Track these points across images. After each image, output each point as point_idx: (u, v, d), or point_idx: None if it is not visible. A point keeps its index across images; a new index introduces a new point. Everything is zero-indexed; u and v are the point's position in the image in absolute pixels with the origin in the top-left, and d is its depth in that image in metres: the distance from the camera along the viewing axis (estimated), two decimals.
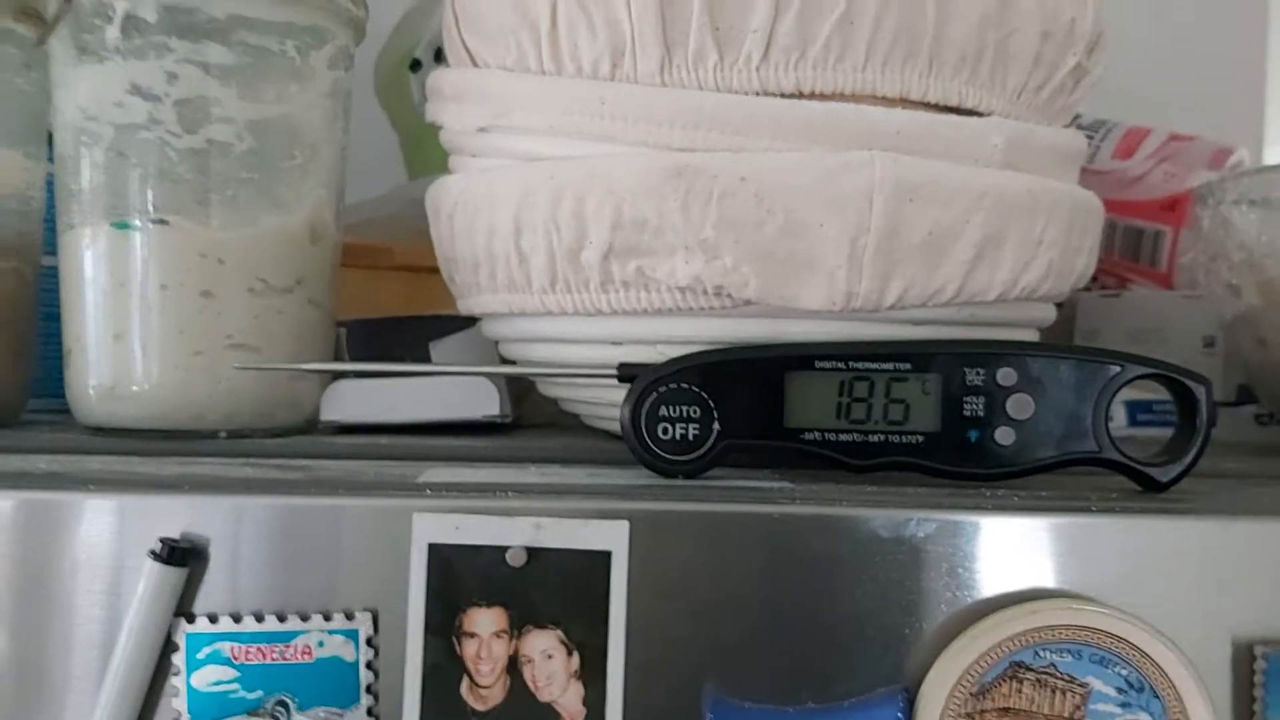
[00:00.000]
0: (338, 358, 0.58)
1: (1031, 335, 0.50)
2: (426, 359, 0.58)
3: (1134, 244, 0.69)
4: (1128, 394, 0.64)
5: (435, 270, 0.69)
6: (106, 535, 0.37)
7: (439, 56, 0.75)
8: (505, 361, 0.53)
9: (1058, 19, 0.44)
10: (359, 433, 0.54)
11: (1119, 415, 0.63)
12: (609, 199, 0.42)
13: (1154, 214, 0.68)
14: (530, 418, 0.61)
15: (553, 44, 0.44)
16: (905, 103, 0.43)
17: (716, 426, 0.41)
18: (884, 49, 0.42)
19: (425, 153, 0.82)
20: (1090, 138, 0.71)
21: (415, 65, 0.74)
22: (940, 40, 0.42)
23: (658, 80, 0.43)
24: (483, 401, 0.53)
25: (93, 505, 0.38)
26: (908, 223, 0.41)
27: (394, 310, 0.66)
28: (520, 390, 0.59)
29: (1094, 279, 0.74)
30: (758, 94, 0.42)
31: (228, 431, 0.50)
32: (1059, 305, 0.72)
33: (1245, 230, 0.50)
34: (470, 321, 0.57)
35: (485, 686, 0.37)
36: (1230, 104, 1.29)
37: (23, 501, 0.38)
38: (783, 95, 0.42)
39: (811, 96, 0.42)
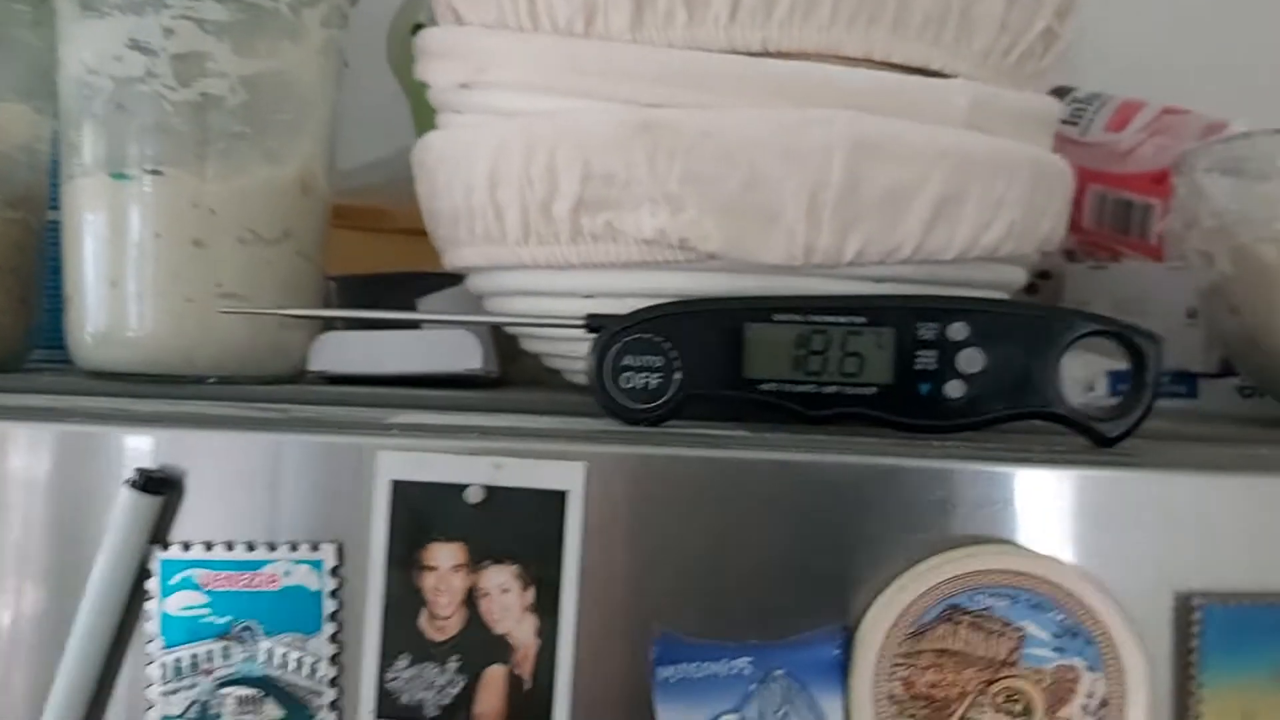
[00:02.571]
0: None
1: (1000, 298, 0.51)
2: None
3: (1124, 216, 0.69)
4: (1110, 363, 0.65)
5: None
6: (88, 465, 0.39)
7: None
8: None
9: None
10: (347, 384, 0.55)
11: (1100, 385, 0.64)
12: (578, 153, 0.43)
13: (1144, 187, 0.68)
14: (520, 375, 0.62)
15: (530, 1, 0.45)
16: (870, 63, 0.44)
17: (678, 376, 0.42)
18: (848, 9, 0.42)
19: (433, 117, 0.83)
20: (1084, 110, 0.71)
21: (418, 28, 0.75)
22: (904, 3, 0.43)
23: (629, 38, 0.44)
24: (465, 355, 0.55)
25: (76, 437, 0.39)
26: (867, 179, 0.42)
27: None
28: (511, 349, 0.60)
29: (1087, 250, 0.75)
30: (726, 52, 0.43)
31: (218, 377, 0.52)
32: (1048, 276, 0.73)
33: (1216, 198, 0.50)
34: (459, 279, 0.58)
35: (443, 618, 0.39)
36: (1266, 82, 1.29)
37: (18, 432, 0.39)
38: (751, 54, 0.43)
39: (779, 55, 0.43)
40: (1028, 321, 0.41)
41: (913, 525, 0.38)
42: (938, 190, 0.43)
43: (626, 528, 0.39)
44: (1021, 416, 0.42)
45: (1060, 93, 0.74)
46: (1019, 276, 0.51)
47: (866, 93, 0.42)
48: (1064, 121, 0.72)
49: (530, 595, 0.39)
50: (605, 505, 0.38)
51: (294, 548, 0.39)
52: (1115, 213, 0.69)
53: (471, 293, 0.55)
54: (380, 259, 0.73)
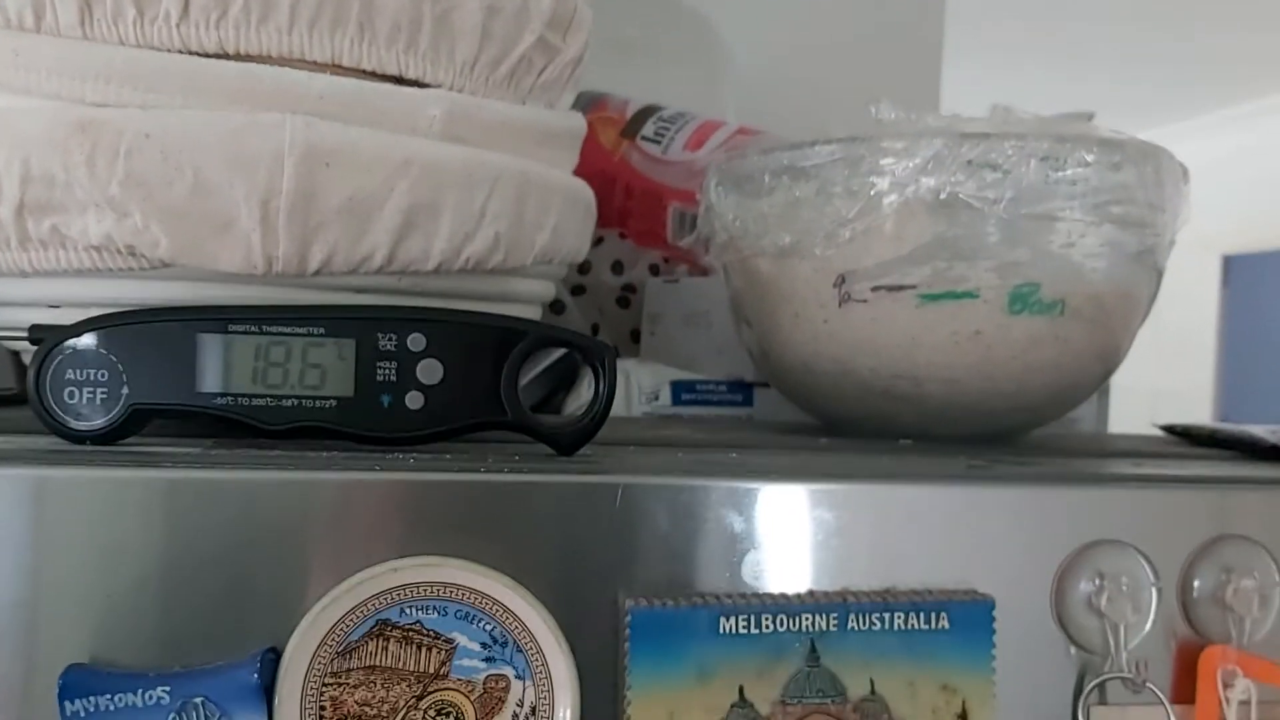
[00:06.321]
0: None
1: (530, 310, 0.51)
2: None
3: None
4: (675, 373, 0.67)
5: None
6: None
7: None
8: None
9: None
10: None
11: (664, 395, 0.65)
12: (17, 153, 0.40)
13: None
14: None
15: None
16: (338, 69, 0.43)
17: (125, 391, 0.40)
18: (309, 13, 0.41)
19: None
20: (667, 129, 0.73)
21: None
22: (371, 9, 0.42)
23: (79, 34, 0.41)
24: None
25: None
26: (325, 187, 0.41)
27: None
28: None
29: (677, 263, 0.77)
30: (181, 52, 0.41)
31: None
32: (634, 290, 0.74)
33: (725, 214, 0.52)
34: None
35: None
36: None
37: None
38: (207, 55, 0.41)
39: (238, 57, 0.42)
40: (485, 332, 0.41)
41: (364, 542, 0.37)
42: (405, 200, 0.42)
43: (63, 554, 0.36)
44: (484, 426, 0.42)
45: (647, 112, 0.76)
46: (540, 290, 0.51)
47: (326, 98, 0.41)
48: (648, 139, 0.74)
49: None
50: (38, 530, 0.36)
51: None
52: (691, 228, 0.71)
53: None
54: None
